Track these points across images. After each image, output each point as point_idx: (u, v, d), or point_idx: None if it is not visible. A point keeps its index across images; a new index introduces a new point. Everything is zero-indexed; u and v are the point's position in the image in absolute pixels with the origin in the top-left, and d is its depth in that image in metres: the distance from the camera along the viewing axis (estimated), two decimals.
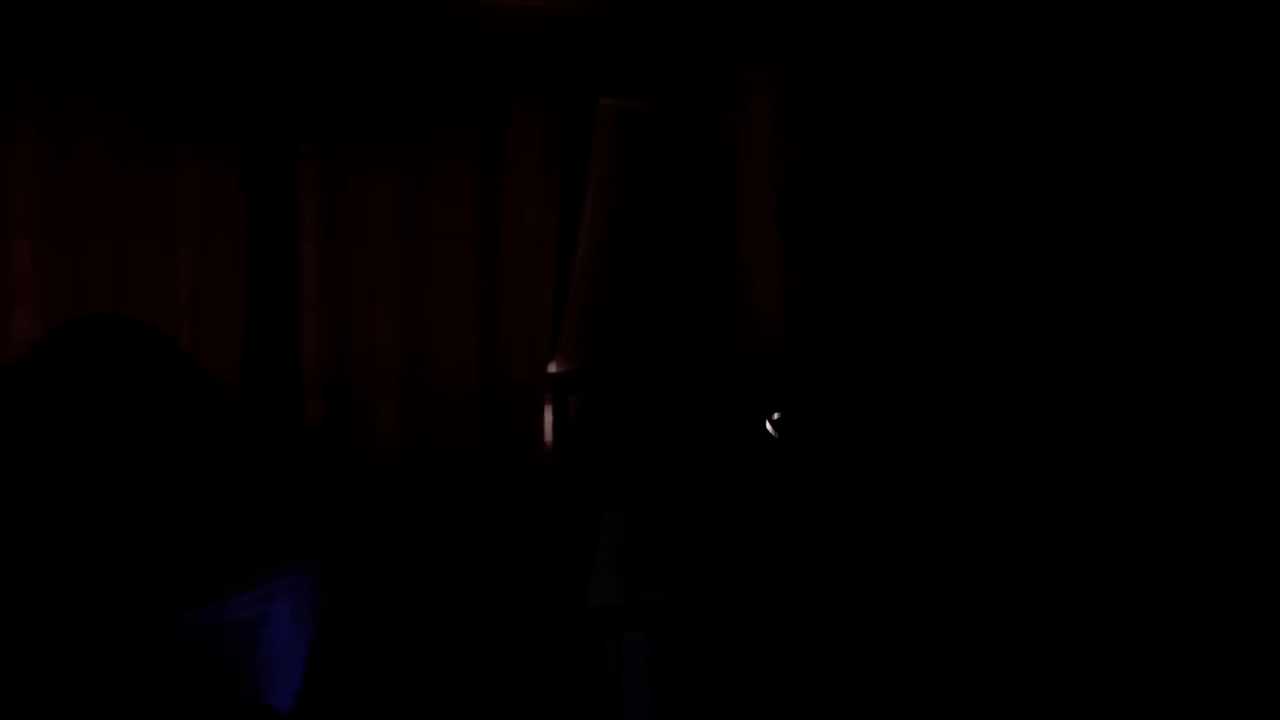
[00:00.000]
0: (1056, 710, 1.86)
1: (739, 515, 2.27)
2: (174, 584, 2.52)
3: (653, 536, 2.40)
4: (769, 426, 2.20)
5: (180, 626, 2.38)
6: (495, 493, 3.01)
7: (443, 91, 3.05)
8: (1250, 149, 1.76)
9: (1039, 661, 1.90)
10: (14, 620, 2.13)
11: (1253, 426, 1.71)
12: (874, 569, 2.11)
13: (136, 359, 2.75)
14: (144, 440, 2.75)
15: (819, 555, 2.15)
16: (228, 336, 2.92)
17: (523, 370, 3.10)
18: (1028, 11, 2.09)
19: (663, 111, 3.36)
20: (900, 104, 2.40)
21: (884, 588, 2.13)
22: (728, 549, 2.26)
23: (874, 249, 2.18)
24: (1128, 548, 1.84)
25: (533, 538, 2.89)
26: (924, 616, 2.09)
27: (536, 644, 2.70)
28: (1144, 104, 1.91)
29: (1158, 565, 1.79)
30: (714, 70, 3.35)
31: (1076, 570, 1.90)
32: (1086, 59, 1.99)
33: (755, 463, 2.19)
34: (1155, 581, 1.79)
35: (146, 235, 2.87)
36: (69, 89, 2.80)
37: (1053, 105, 2.04)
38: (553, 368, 3.18)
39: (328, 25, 2.96)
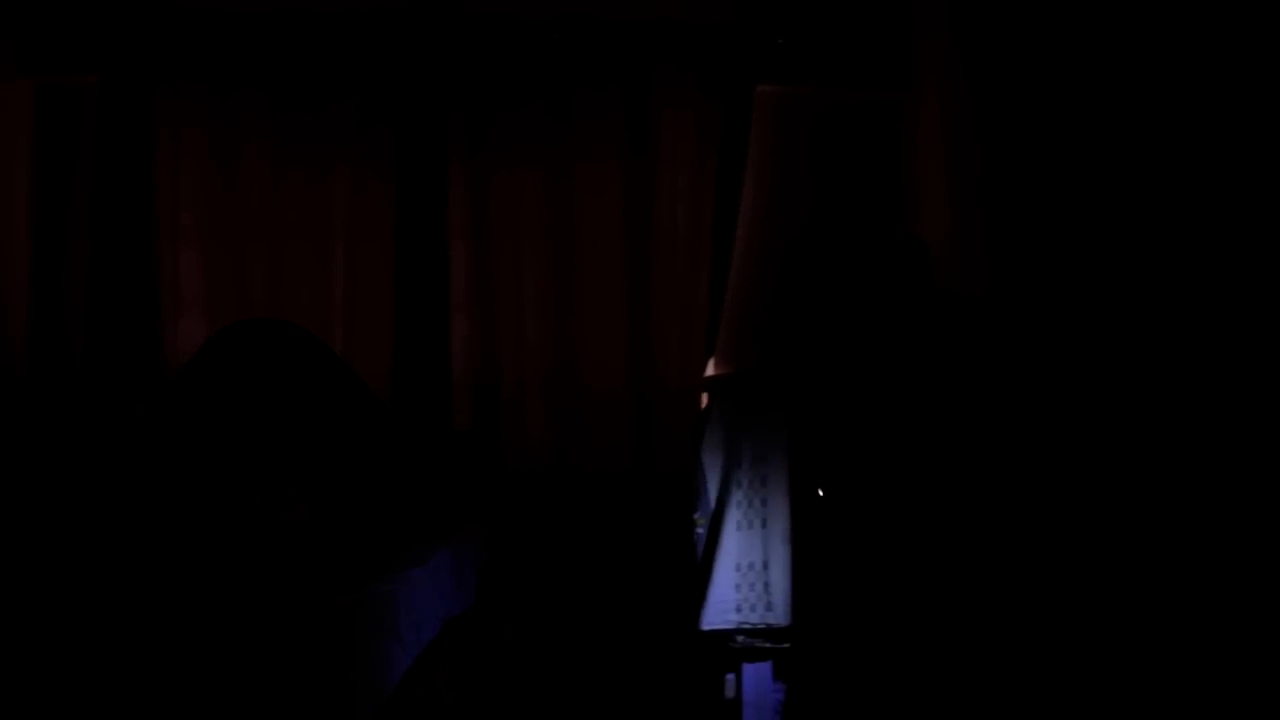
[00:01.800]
0: None
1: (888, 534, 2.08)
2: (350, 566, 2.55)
3: (777, 555, 2.24)
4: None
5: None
6: (643, 498, 2.92)
7: (591, 85, 2.98)
8: None
9: None
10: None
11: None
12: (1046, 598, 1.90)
13: (293, 362, 2.81)
14: (300, 441, 2.81)
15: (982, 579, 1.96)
16: (378, 338, 2.96)
17: (675, 371, 2.99)
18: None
19: (827, 97, 3.15)
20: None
21: (1052, 617, 1.92)
22: (875, 570, 2.08)
23: None
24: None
25: (676, 547, 2.78)
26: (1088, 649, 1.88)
27: (660, 660, 2.60)
28: None
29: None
30: (884, 51, 3.11)
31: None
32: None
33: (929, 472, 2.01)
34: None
35: (302, 239, 2.95)
36: (231, 102, 2.91)
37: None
38: (709, 370, 3.06)
39: (474, 24, 2.95)
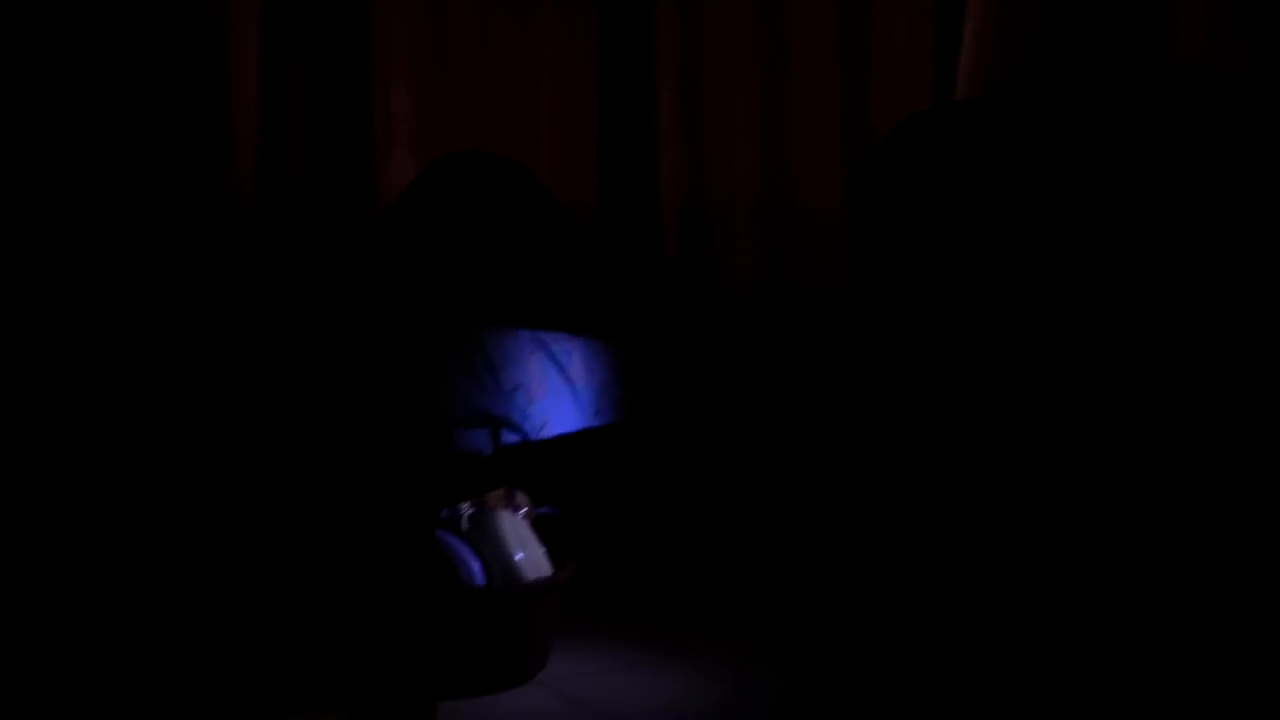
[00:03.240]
0: None
1: None
2: None
3: None
4: None
5: None
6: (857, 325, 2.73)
7: None
8: None
9: None
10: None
11: None
12: None
13: (501, 193, 2.82)
14: (512, 271, 2.81)
15: None
16: (584, 170, 2.92)
17: None
18: None
19: None
20: None
21: None
22: None
23: None
24: None
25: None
26: None
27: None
28: None
29: None
30: None
31: None
32: None
33: None
34: None
35: (508, 75, 2.94)
36: None
37: None
38: None
39: None
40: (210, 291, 2.37)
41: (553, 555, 2.10)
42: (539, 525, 2.16)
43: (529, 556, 2.03)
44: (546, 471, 2.11)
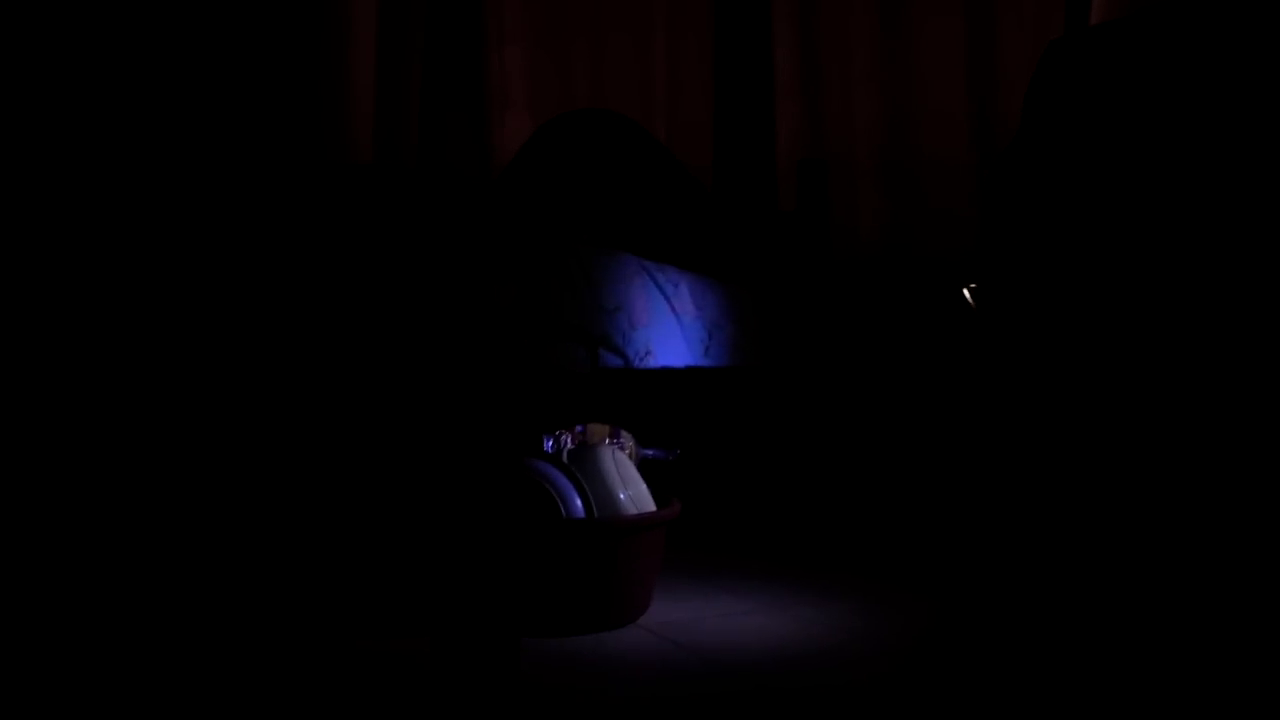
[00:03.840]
0: None
1: None
2: None
3: None
4: None
5: None
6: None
7: None
8: None
9: None
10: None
11: None
12: None
13: (616, 150, 2.77)
14: (626, 229, 2.76)
15: None
16: (700, 124, 2.86)
17: None
18: None
19: None
20: None
21: None
22: None
23: None
24: None
25: None
26: None
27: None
28: None
29: None
30: None
31: None
32: None
33: None
34: None
35: (621, 32, 2.91)
36: None
37: None
38: None
39: None
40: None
41: (657, 496, 2.02)
42: (645, 469, 2.09)
43: (633, 494, 1.95)
44: (652, 405, 2.03)
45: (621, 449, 2.06)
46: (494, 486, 1.61)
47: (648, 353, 1.92)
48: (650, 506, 1.97)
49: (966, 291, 1.86)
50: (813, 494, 2.47)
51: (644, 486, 2.01)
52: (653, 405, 2.10)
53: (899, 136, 2.73)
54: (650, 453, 2.15)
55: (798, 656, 1.77)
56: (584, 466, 1.94)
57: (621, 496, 1.94)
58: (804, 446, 2.48)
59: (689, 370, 2.10)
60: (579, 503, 1.88)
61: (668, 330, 1.99)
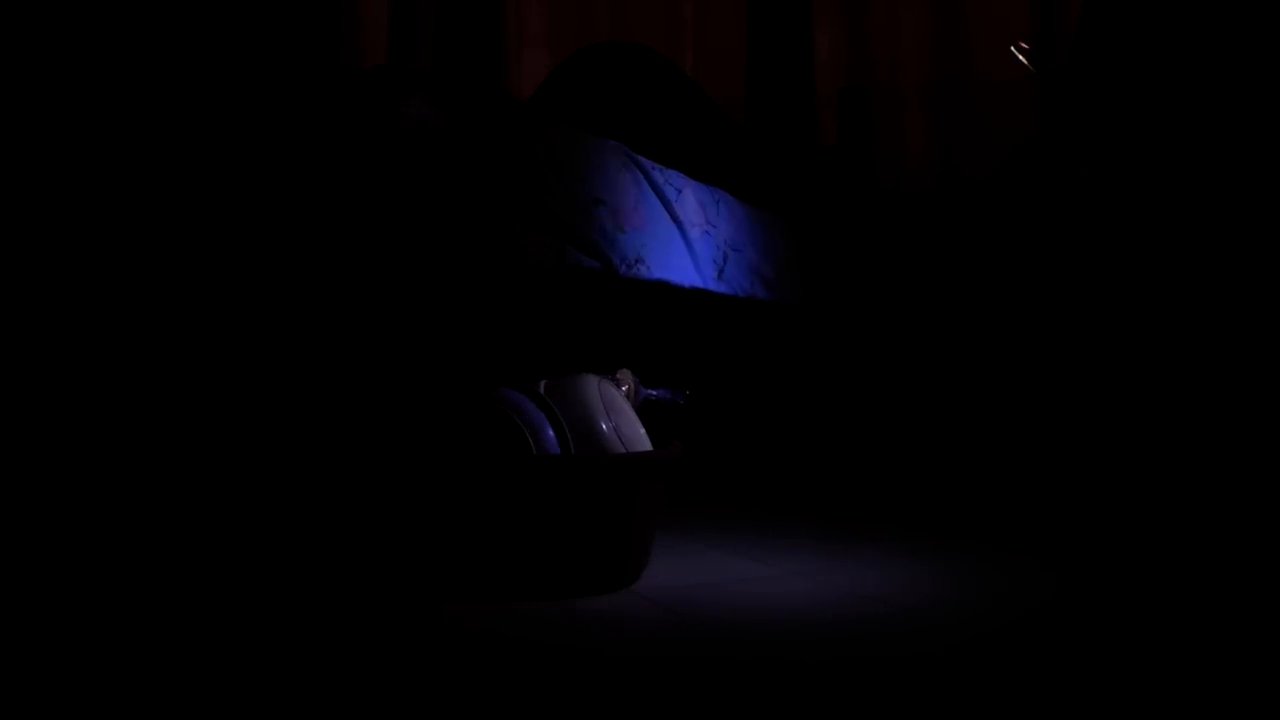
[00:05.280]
0: None
1: None
2: None
3: None
4: None
5: None
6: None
7: None
8: None
9: None
10: None
11: None
12: None
13: (641, 84, 2.52)
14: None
15: None
16: (731, 52, 2.62)
17: None
18: None
19: None
20: None
21: None
22: None
23: None
24: None
25: None
26: None
27: None
28: None
29: None
30: None
31: None
32: None
33: None
34: None
35: None
36: None
37: None
38: None
39: None
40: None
41: (656, 437, 1.71)
42: (648, 412, 1.80)
43: (623, 429, 1.65)
44: (646, 328, 1.74)
45: (618, 386, 1.76)
46: (436, 410, 1.34)
47: (638, 260, 1.65)
48: (645, 446, 1.67)
49: (1015, 49, 1.63)
50: (842, 448, 2.16)
51: (640, 428, 1.71)
52: (648, 328, 1.80)
53: (951, 60, 2.44)
54: (655, 393, 1.84)
55: (837, 620, 1.46)
56: (562, 395, 1.64)
57: (604, 427, 1.64)
58: (837, 395, 2.18)
59: (696, 292, 1.81)
60: (552, 435, 1.59)
61: (666, 240, 1.72)
